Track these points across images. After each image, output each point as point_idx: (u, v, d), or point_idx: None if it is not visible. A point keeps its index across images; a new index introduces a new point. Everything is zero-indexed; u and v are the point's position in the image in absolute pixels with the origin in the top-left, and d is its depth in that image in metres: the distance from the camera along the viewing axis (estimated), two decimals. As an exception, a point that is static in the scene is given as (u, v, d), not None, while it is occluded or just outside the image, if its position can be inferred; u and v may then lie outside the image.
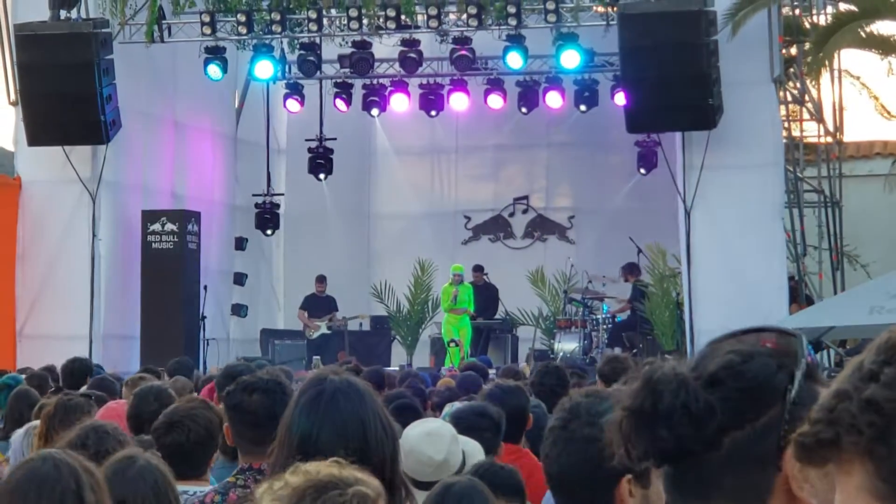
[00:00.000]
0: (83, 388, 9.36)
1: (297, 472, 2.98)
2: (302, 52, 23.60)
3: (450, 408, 7.49)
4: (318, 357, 22.75)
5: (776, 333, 2.12)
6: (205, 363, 21.97)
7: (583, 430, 3.34)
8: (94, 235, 21.55)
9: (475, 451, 6.12)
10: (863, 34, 20.94)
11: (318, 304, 25.38)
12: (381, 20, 21.83)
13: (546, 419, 8.50)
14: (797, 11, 22.90)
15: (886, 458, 1.38)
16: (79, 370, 12.23)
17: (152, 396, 7.38)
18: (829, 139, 24.77)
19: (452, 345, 22.96)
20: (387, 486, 4.01)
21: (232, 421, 5.30)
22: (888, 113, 24.87)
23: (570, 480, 3.39)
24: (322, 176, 26.88)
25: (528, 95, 25.21)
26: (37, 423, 7.28)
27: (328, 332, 25.06)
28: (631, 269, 23.62)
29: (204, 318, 22.80)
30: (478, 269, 25.18)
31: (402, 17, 21.73)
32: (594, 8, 21.27)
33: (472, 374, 12.17)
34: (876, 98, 24.82)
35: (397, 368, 21.16)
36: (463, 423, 6.68)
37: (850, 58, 24.37)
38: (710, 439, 2.00)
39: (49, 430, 6.29)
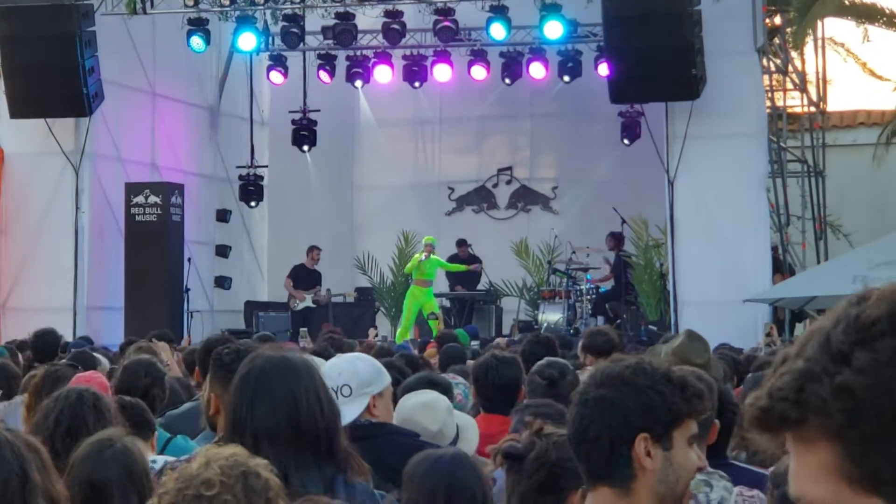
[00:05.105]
0: (65, 360, 9.28)
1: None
2: (285, 23, 23.50)
3: None
4: (305, 328, 22.70)
5: None
6: (189, 335, 21.94)
7: (597, 391, 3.17)
8: (77, 208, 21.50)
9: (469, 424, 6.11)
10: (846, 2, 20.95)
11: (305, 277, 25.29)
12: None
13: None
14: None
15: (858, 442, 1.34)
16: (50, 343, 12.10)
17: (142, 370, 7.31)
18: (813, 109, 24.79)
19: (432, 317, 22.90)
20: (326, 462, 4.05)
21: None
22: (876, 75, 24.78)
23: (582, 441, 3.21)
24: (306, 148, 26.81)
25: (512, 66, 25.16)
26: (20, 397, 7.23)
27: (312, 305, 25.02)
28: (617, 239, 23.45)
29: (188, 290, 22.78)
30: (461, 243, 25.02)
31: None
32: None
33: (455, 346, 12.11)
34: (864, 64, 24.76)
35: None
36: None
37: (834, 26, 24.39)
38: None
39: (37, 401, 6.25)
